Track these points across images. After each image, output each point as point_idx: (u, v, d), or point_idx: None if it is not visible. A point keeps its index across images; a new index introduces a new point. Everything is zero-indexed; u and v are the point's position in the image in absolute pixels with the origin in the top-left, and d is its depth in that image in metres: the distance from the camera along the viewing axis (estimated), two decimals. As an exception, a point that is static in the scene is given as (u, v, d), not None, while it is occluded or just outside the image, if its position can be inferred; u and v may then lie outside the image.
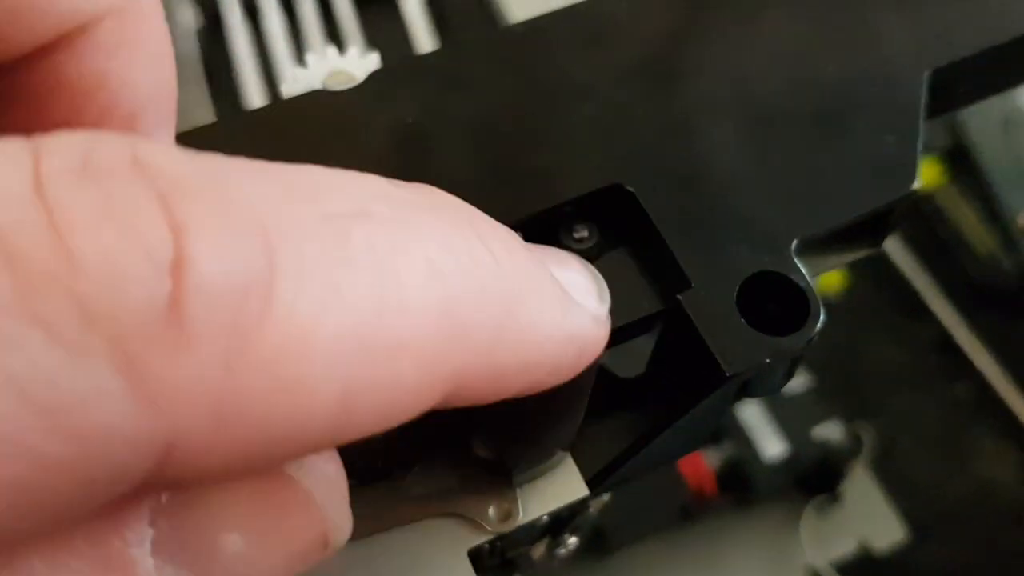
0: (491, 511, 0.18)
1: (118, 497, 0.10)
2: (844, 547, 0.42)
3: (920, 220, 0.51)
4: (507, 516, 0.18)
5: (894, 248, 0.50)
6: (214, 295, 0.09)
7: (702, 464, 0.40)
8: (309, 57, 0.22)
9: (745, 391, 0.19)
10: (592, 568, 0.40)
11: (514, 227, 0.19)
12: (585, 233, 0.19)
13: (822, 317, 0.18)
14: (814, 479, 0.42)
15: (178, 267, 0.09)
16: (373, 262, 0.11)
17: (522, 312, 0.13)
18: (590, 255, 0.19)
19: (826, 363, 0.45)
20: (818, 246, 0.19)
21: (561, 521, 0.21)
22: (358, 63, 0.21)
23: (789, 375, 0.19)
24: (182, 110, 0.17)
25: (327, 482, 0.13)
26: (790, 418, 0.41)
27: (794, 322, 0.18)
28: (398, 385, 0.11)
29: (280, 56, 0.50)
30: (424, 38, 0.51)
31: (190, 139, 0.19)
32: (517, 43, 0.21)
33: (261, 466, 0.12)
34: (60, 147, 0.10)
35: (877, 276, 0.49)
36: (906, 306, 0.49)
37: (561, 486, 0.19)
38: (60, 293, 0.09)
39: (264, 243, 0.10)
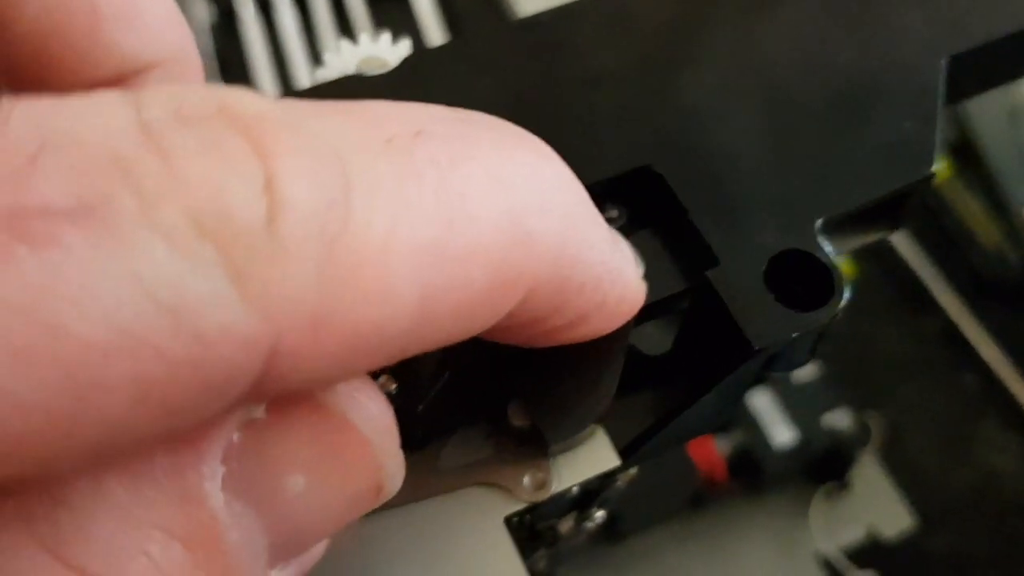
0: (526, 480, 0.19)
1: (228, 405, 0.11)
2: (853, 534, 0.43)
3: (926, 213, 0.51)
4: (541, 485, 0.19)
5: (901, 241, 0.51)
6: (302, 210, 0.10)
7: (713, 451, 0.41)
8: (342, 43, 0.22)
9: (770, 366, 0.20)
10: (605, 553, 0.41)
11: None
12: (614, 214, 0.20)
13: (846, 294, 0.19)
14: (823, 466, 0.42)
15: (269, 188, 0.10)
16: (437, 174, 0.12)
17: (580, 231, 0.14)
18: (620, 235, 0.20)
19: (835, 353, 0.45)
20: (839, 227, 0.20)
21: (590, 494, 0.22)
22: (390, 49, 0.22)
23: (812, 352, 0.20)
24: None
25: (384, 430, 0.14)
26: (800, 406, 0.42)
27: (818, 299, 0.18)
28: (471, 288, 0.12)
29: (293, 50, 0.51)
30: (435, 32, 0.52)
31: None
32: (546, 29, 0.21)
33: (353, 371, 0.12)
34: (156, 99, 0.11)
35: (885, 268, 0.49)
36: (913, 298, 0.50)
37: (594, 457, 0.19)
38: (176, 207, 0.10)
39: (338, 164, 0.11)
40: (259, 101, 0.11)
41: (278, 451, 0.12)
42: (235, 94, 0.11)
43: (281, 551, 0.13)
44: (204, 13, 0.53)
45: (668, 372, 0.21)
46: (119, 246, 0.09)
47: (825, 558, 0.42)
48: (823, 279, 0.19)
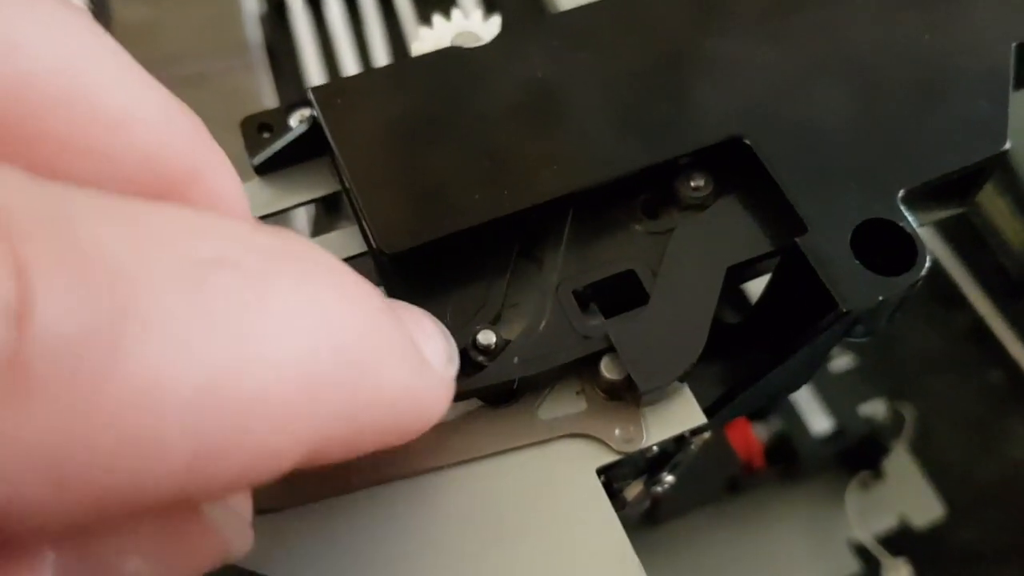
0: (618, 432, 0.20)
1: None
2: (886, 522, 0.43)
3: (956, 214, 0.52)
4: (632, 438, 0.20)
5: (932, 241, 0.52)
6: (59, 346, 0.09)
7: (752, 437, 0.41)
8: (435, 18, 0.23)
9: (850, 331, 0.21)
10: (642, 537, 0.41)
11: (633, 176, 0.21)
12: (701, 182, 0.21)
13: (928, 261, 0.19)
14: (859, 455, 0.43)
15: (21, 313, 0.08)
16: (230, 315, 0.10)
17: (379, 373, 0.13)
18: (705, 203, 0.21)
19: (868, 346, 0.46)
20: (918, 199, 0.21)
21: (664, 456, 0.23)
22: (482, 25, 0.23)
23: (891, 318, 0.21)
24: (248, 94, 0.18)
25: (227, 510, 0.13)
26: (837, 395, 0.43)
27: (902, 265, 0.19)
28: (253, 447, 0.11)
29: (341, 41, 0.52)
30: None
31: (337, 88, 0.21)
32: (639, 5, 0.22)
33: (106, 522, 0.11)
34: None
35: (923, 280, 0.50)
36: (943, 295, 0.51)
37: (680, 413, 0.20)
38: None
39: (113, 290, 0.09)
40: (24, 187, 0.09)
41: (116, 539, 0.11)
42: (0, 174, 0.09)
43: None
44: (254, 5, 0.54)
45: (746, 338, 0.22)
46: None
47: (859, 545, 0.43)
48: (906, 246, 0.20)
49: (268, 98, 0.50)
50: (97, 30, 0.12)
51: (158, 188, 0.13)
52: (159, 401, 0.09)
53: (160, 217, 0.10)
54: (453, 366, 0.16)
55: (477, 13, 0.23)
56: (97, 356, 0.09)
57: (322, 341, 0.11)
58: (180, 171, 0.13)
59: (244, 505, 0.14)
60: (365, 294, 0.13)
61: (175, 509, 0.12)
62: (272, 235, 0.12)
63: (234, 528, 0.13)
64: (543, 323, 0.20)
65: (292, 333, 0.11)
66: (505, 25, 0.23)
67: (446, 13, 0.24)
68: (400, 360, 0.13)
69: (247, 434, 0.10)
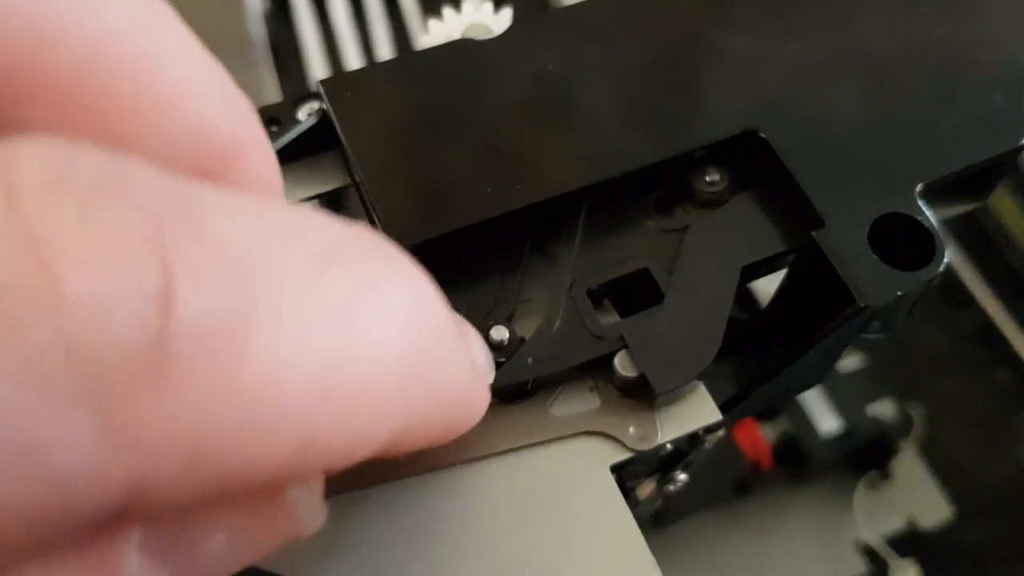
0: (632, 430, 0.19)
1: (78, 532, 0.09)
2: (894, 523, 0.43)
3: (965, 215, 0.52)
4: (646, 436, 0.19)
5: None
6: (198, 332, 0.09)
7: (760, 438, 0.41)
8: (445, 10, 0.23)
9: (867, 327, 0.20)
10: (651, 537, 0.41)
11: (647, 170, 0.20)
12: (716, 177, 0.21)
13: (946, 257, 0.19)
14: (867, 455, 0.43)
15: (165, 303, 0.09)
16: (343, 307, 0.11)
17: (448, 369, 0.13)
18: (720, 198, 0.21)
19: (877, 347, 0.46)
20: (935, 194, 0.21)
21: (677, 455, 0.22)
22: (492, 17, 0.23)
23: (910, 315, 0.21)
24: (251, 90, 0.18)
25: (307, 488, 0.13)
26: (845, 396, 0.42)
27: (920, 260, 0.19)
28: (352, 432, 0.11)
29: (345, 37, 0.52)
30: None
31: (346, 81, 0.21)
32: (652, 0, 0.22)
33: (211, 502, 0.11)
34: (35, 154, 0.09)
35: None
36: (952, 295, 0.50)
37: (696, 410, 0.20)
38: (46, 330, 0.08)
39: (244, 280, 0.10)
40: (161, 181, 0.10)
41: (203, 517, 0.12)
42: (134, 166, 0.09)
43: None
44: (258, 2, 0.53)
45: (763, 334, 0.22)
46: None
47: (866, 546, 0.42)
48: (924, 241, 0.19)
49: (272, 95, 0.50)
50: None
51: (208, 160, 0.13)
52: (282, 385, 0.10)
53: (276, 213, 0.11)
54: (492, 372, 0.17)
55: (487, 5, 0.23)
56: (231, 342, 0.09)
57: (412, 334, 0.12)
58: (229, 145, 0.14)
59: (319, 485, 0.14)
60: (439, 296, 0.13)
61: (266, 488, 0.12)
62: (361, 233, 0.12)
63: (311, 507, 0.13)
64: (557, 323, 0.20)
65: (391, 325, 0.12)
66: (516, 18, 0.23)
67: (454, 6, 0.24)
68: (460, 359, 0.14)
69: (350, 419, 0.11)
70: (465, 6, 0.23)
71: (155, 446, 0.09)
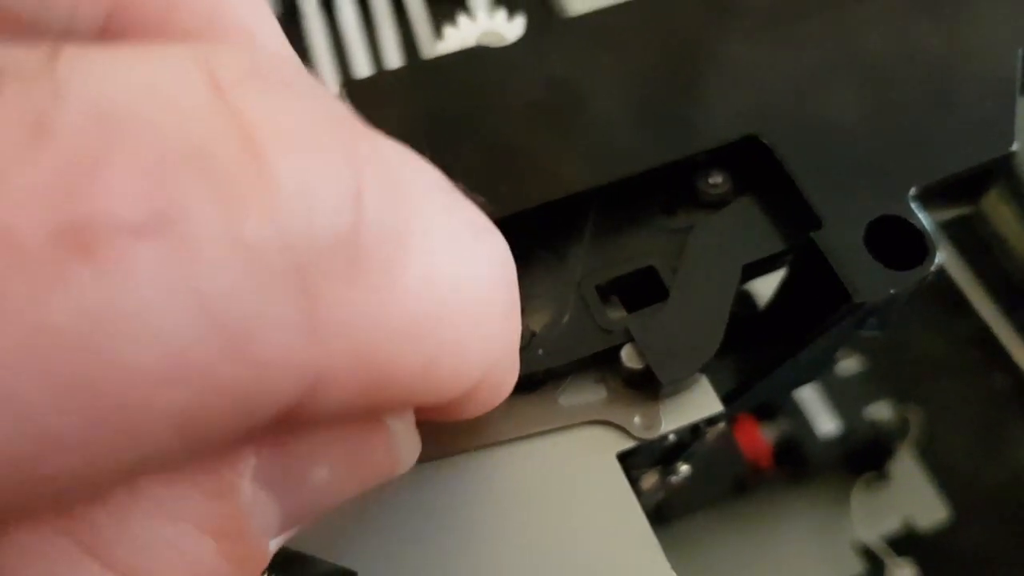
0: (637, 419, 0.20)
1: (253, 430, 0.10)
2: (890, 524, 0.44)
3: (962, 221, 0.53)
4: (651, 425, 0.20)
5: (938, 247, 0.52)
6: (383, 231, 0.10)
7: (760, 438, 0.42)
8: (460, 18, 0.24)
9: (862, 324, 0.21)
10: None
11: (653, 173, 0.21)
12: (719, 180, 0.22)
13: (938, 257, 0.20)
14: (865, 457, 0.43)
15: (358, 201, 0.09)
16: (469, 234, 0.12)
17: (515, 319, 0.14)
18: (723, 200, 0.22)
19: (875, 350, 0.47)
20: (929, 197, 0.21)
21: (680, 446, 0.23)
22: (506, 25, 0.24)
23: (899, 313, 0.21)
24: None
25: (405, 422, 0.14)
26: (843, 398, 0.43)
27: (913, 260, 0.20)
28: (466, 358, 0.12)
29: (354, 44, 0.53)
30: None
31: (368, 84, 0.22)
32: (657, 9, 0.23)
33: (364, 413, 0.12)
34: (229, 55, 0.09)
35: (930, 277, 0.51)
36: (948, 301, 0.51)
37: (699, 402, 0.21)
38: (263, 217, 0.09)
39: (406, 196, 0.11)
40: (323, 87, 0.11)
41: (309, 445, 0.12)
42: (308, 71, 0.11)
43: (289, 524, 0.13)
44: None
45: (763, 330, 0.23)
46: (193, 266, 0.08)
47: (864, 546, 0.43)
48: (918, 242, 0.20)
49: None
50: None
51: None
52: (429, 298, 0.11)
53: (404, 149, 0.12)
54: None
55: (501, 14, 0.24)
56: (402, 246, 0.10)
57: (508, 280, 0.13)
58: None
59: (413, 423, 0.14)
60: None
61: (369, 418, 0.13)
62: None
63: (408, 442, 0.14)
64: (566, 317, 0.21)
65: (497, 262, 0.13)
66: (528, 26, 0.24)
67: (469, 14, 0.25)
68: (516, 313, 0.14)
69: (466, 347, 0.12)
70: (479, 14, 0.24)
71: (339, 337, 0.10)
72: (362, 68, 0.52)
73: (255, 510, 0.12)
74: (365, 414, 0.12)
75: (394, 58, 0.52)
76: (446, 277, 0.11)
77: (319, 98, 0.10)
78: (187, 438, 0.09)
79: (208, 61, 0.09)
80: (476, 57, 0.22)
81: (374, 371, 0.10)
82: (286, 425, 0.11)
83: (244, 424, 0.10)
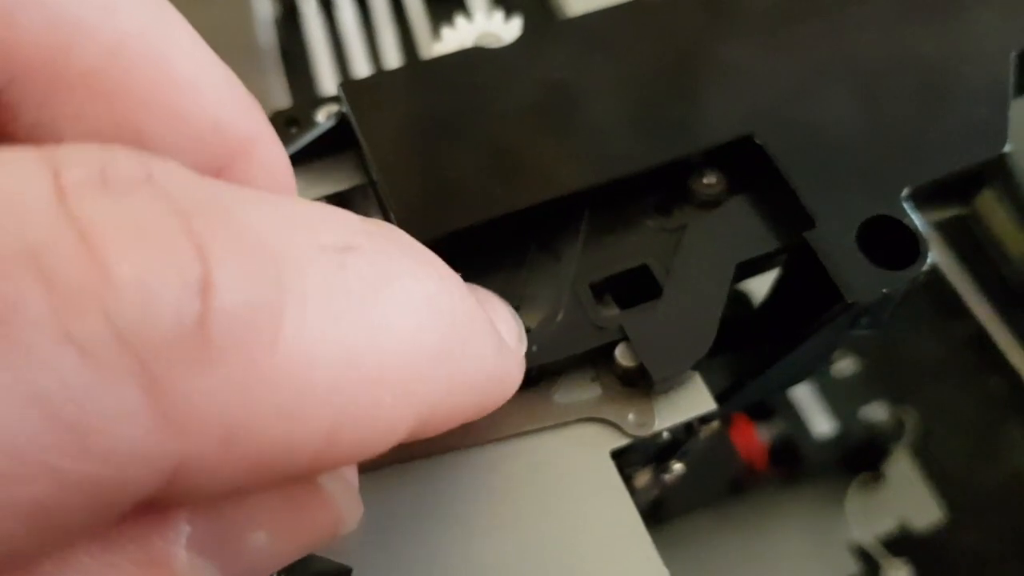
0: (631, 416, 0.20)
1: (120, 515, 0.10)
2: (886, 524, 0.44)
3: (959, 224, 0.53)
4: (644, 422, 0.20)
5: (935, 250, 0.52)
6: (236, 317, 0.10)
7: (755, 438, 0.42)
8: (458, 19, 0.24)
9: (855, 324, 0.21)
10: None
11: (648, 173, 0.21)
12: (713, 180, 0.22)
13: (930, 257, 0.20)
14: (860, 457, 0.44)
15: (205, 290, 0.09)
16: (365, 295, 0.11)
17: (471, 351, 0.14)
18: (717, 200, 0.22)
19: (872, 353, 0.47)
20: (922, 198, 0.22)
21: (673, 445, 0.24)
22: (503, 26, 0.24)
23: (892, 313, 0.22)
24: (261, 95, 0.19)
25: (344, 483, 0.14)
26: (839, 399, 0.43)
27: (905, 260, 0.20)
28: (379, 418, 0.12)
29: (353, 45, 0.53)
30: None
31: (366, 85, 0.22)
32: (653, 12, 0.23)
33: (255, 487, 0.12)
34: (77, 159, 0.09)
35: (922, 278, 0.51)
36: (944, 303, 0.51)
37: (692, 399, 0.21)
38: (96, 313, 0.09)
39: (275, 270, 0.10)
40: (192, 180, 0.10)
41: (245, 511, 0.12)
42: (166, 166, 0.10)
43: None
44: (268, 9, 0.55)
45: (756, 329, 0.23)
46: (24, 362, 0.08)
47: (859, 546, 0.43)
48: (909, 242, 0.20)
49: (281, 100, 0.51)
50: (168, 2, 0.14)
51: (223, 152, 0.14)
52: (309, 372, 0.10)
53: (297, 207, 0.11)
54: (523, 344, 0.17)
55: (498, 15, 0.24)
56: (264, 327, 0.10)
57: (431, 320, 0.13)
58: (241, 138, 0.14)
59: (353, 478, 0.15)
60: (457, 279, 0.14)
61: (299, 482, 0.13)
62: (377, 225, 0.13)
63: (347, 500, 0.14)
64: (560, 314, 0.21)
65: (410, 312, 0.12)
66: (525, 27, 0.24)
67: (467, 15, 0.25)
68: (485, 339, 0.14)
69: (376, 406, 0.11)
70: (477, 15, 0.24)
71: (197, 425, 0.10)
72: (361, 69, 0.52)
73: None
74: (274, 485, 0.12)
75: (393, 59, 0.52)
76: (333, 345, 0.11)
77: (181, 188, 0.10)
78: (42, 532, 0.09)
79: (55, 163, 0.09)
80: (472, 58, 0.22)
81: (252, 452, 0.10)
82: (164, 504, 0.11)
83: (104, 514, 0.10)
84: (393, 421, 0.12)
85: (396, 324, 0.12)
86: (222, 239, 0.10)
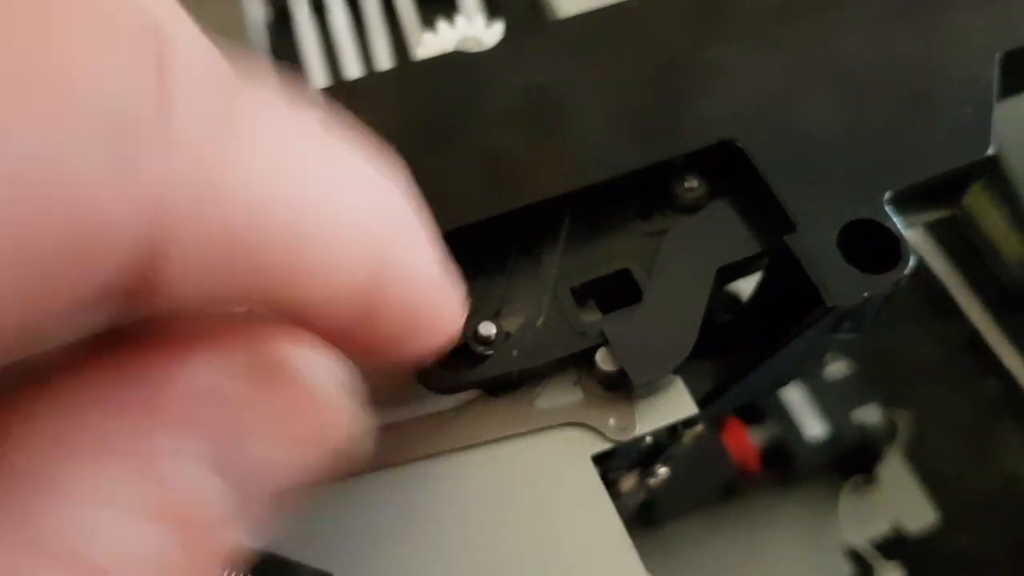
0: (612, 421, 0.20)
1: (110, 295, 0.10)
2: (879, 527, 0.44)
3: (952, 226, 0.53)
4: (626, 427, 0.20)
5: (929, 252, 0.52)
6: (199, 102, 0.10)
7: (747, 441, 0.42)
8: (439, 24, 0.24)
9: (838, 327, 0.21)
10: (637, 539, 0.42)
11: (629, 177, 0.21)
12: (695, 184, 0.22)
13: (912, 261, 0.20)
14: (852, 460, 0.43)
15: (162, 80, 0.10)
16: (321, 149, 0.13)
17: (416, 253, 0.14)
18: (699, 204, 0.22)
19: (865, 355, 0.47)
20: (905, 201, 0.22)
21: (657, 449, 0.23)
22: (484, 31, 0.24)
23: (877, 317, 0.22)
24: None
25: (341, 388, 0.14)
26: (831, 402, 0.43)
27: (886, 264, 0.20)
28: (338, 243, 0.12)
29: (345, 48, 0.53)
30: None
31: (345, 90, 0.22)
32: (635, 16, 0.23)
33: (223, 299, 0.12)
34: None
35: (912, 277, 0.51)
36: (939, 306, 0.51)
37: (673, 404, 0.21)
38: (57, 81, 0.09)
39: (236, 95, 0.11)
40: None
41: (246, 422, 0.12)
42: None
43: (248, 510, 0.13)
44: (259, 12, 0.54)
45: (738, 335, 0.23)
46: None
47: (852, 549, 0.43)
48: (891, 246, 0.20)
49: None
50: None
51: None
52: (268, 181, 0.11)
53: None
54: (463, 305, 0.17)
55: (479, 19, 0.24)
56: (219, 132, 0.11)
57: (384, 190, 0.14)
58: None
59: (354, 399, 0.14)
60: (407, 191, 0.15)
61: (294, 388, 0.13)
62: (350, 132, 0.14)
63: (346, 407, 0.14)
64: (541, 318, 0.21)
65: (364, 177, 0.13)
66: (507, 31, 0.24)
67: (449, 20, 0.25)
68: (429, 244, 0.15)
69: (336, 231, 0.12)
70: (459, 19, 0.24)
71: (166, 188, 0.10)
72: (353, 73, 0.52)
73: (203, 496, 0.12)
74: (248, 298, 0.12)
75: (385, 61, 0.52)
76: (290, 165, 0.12)
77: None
78: (18, 277, 0.09)
79: None
80: (454, 62, 0.22)
81: (221, 238, 0.11)
82: (224, 400, 0.12)
83: (88, 277, 0.10)
84: (351, 254, 0.13)
85: (352, 176, 0.13)
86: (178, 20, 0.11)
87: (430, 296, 0.15)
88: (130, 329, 0.12)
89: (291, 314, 0.13)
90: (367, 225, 0.13)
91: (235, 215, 0.11)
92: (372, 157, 0.14)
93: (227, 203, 0.11)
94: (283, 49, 0.53)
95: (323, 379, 0.13)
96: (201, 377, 0.12)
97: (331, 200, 0.12)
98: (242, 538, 0.13)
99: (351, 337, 0.14)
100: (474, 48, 0.23)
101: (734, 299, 0.26)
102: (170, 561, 0.11)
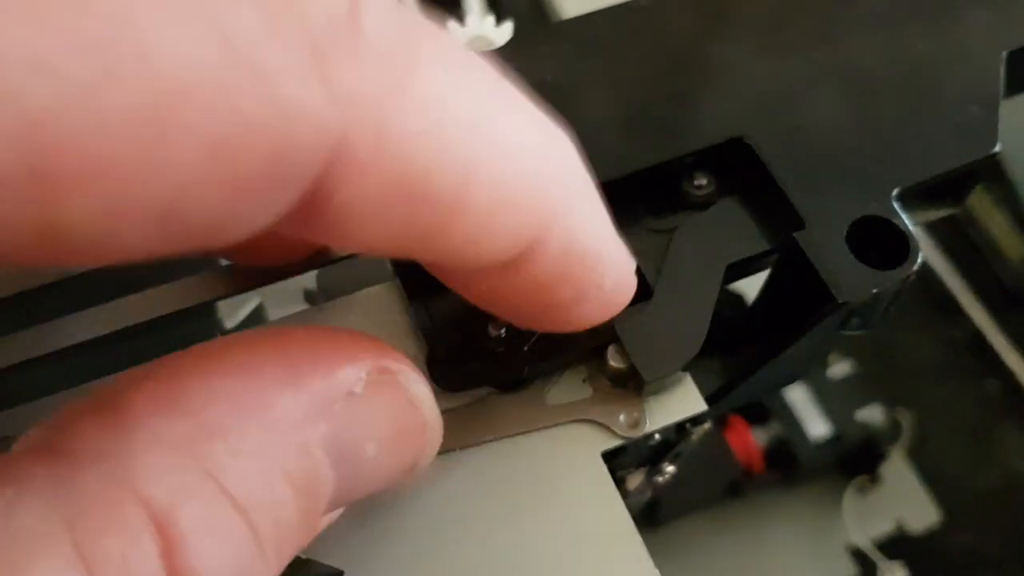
0: (622, 418, 0.20)
1: (291, 197, 0.11)
2: (882, 527, 0.44)
3: (955, 226, 0.53)
4: (636, 423, 0.20)
5: (931, 253, 0.53)
6: (383, 19, 0.11)
7: (751, 441, 0.42)
8: (450, 24, 0.24)
9: (846, 324, 0.21)
10: (643, 539, 0.42)
11: (639, 174, 0.21)
12: (704, 181, 0.22)
13: (920, 257, 0.20)
14: (856, 460, 0.44)
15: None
16: (498, 99, 0.13)
17: (591, 202, 0.15)
18: (708, 201, 0.22)
19: (868, 355, 0.47)
20: (913, 198, 0.22)
21: (665, 446, 0.24)
22: (495, 30, 0.24)
23: (887, 313, 0.22)
24: None
25: (437, 418, 0.16)
26: (835, 402, 0.43)
27: (895, 260, 0.20)
28: (507, 191, 0.13)
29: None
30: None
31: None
32: (643, 14, 0.23)
33: (391, 213, 0.12)
34: None
35: (916, 278, 0.51)
36: (941, 306, 0.51)
37: (683, 401, 0.21)
38: None
39: (421, 36, 0.12)
40: None
41: (364, 422, 0.14)
42: None
43: (336, 503, 0.15)
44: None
45: (746, 332, 0.23)
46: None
47: (856, 548, 0.43)
48: (900, 242, 0.20)
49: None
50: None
51: None
52: (444, 111, 0.12)
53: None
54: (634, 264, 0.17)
55: (490, 19, 0.24)
56: (404, 59, 0.11)
57: (552, 154, 0.14)
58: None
59: (440, 421, 0.16)
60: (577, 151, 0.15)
61: (403, 404, 0.15)
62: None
63: (435, 434, 0.16)
64: None
65: (529, 135, 0.14)
66: (517, 31, 0.24)
67: (458, 19, 0.25)
68: (603, 209, 0.16)
69: (506, 179, 0.13)
70: (469, 19, 0.24)
71: (354, 106, 0.11)
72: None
73: (321, 478, 0.13)
74: (409, 228, 0.12)
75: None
76: (467, 101, 0.12)
77: None
78: (215, 174, 0.10)
79: None
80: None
81: (398, 160, 0.11)
82: (350, 400, 0.14)
83: (272, 178, 0.10)
84: (518, 202, 0.13)
85: (525, 124, 0.13)
86: None
87: (605, 250, 0.16)
88: (296, 330, 0.14)
89: (444, 248, 0.13)
90: (538, 176, 0.13)
91: (411, 139, 0.11)
92: (543, 112, 0.14)
93: (406, 128, 0.11)
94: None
95: (423, 395, 0.15)
96: (346, 379, 0.14)
97: (506, 143, 0.13)
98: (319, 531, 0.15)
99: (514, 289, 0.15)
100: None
101: (738, 297, 0.26)
102: (287, 523, 0.13)
